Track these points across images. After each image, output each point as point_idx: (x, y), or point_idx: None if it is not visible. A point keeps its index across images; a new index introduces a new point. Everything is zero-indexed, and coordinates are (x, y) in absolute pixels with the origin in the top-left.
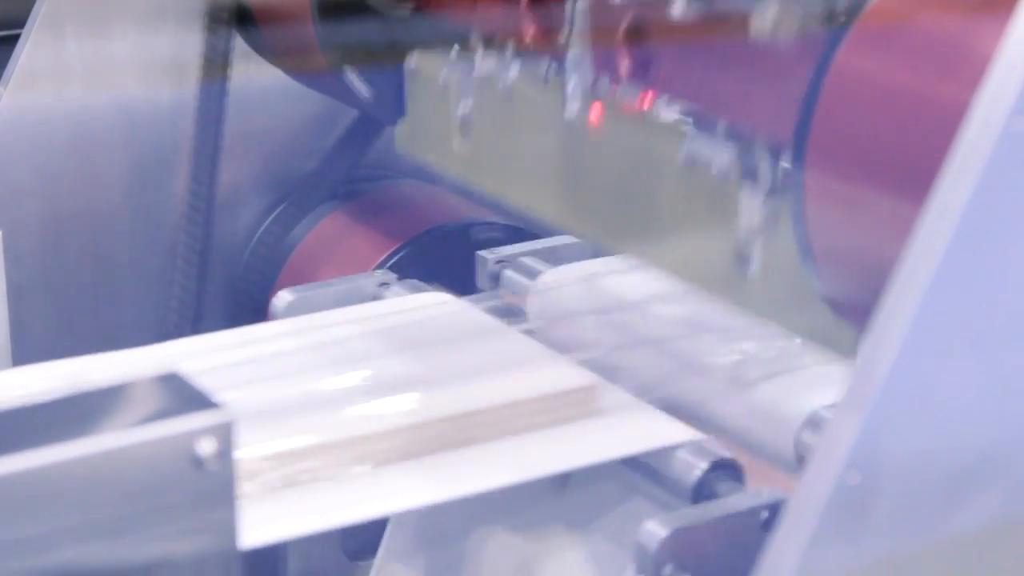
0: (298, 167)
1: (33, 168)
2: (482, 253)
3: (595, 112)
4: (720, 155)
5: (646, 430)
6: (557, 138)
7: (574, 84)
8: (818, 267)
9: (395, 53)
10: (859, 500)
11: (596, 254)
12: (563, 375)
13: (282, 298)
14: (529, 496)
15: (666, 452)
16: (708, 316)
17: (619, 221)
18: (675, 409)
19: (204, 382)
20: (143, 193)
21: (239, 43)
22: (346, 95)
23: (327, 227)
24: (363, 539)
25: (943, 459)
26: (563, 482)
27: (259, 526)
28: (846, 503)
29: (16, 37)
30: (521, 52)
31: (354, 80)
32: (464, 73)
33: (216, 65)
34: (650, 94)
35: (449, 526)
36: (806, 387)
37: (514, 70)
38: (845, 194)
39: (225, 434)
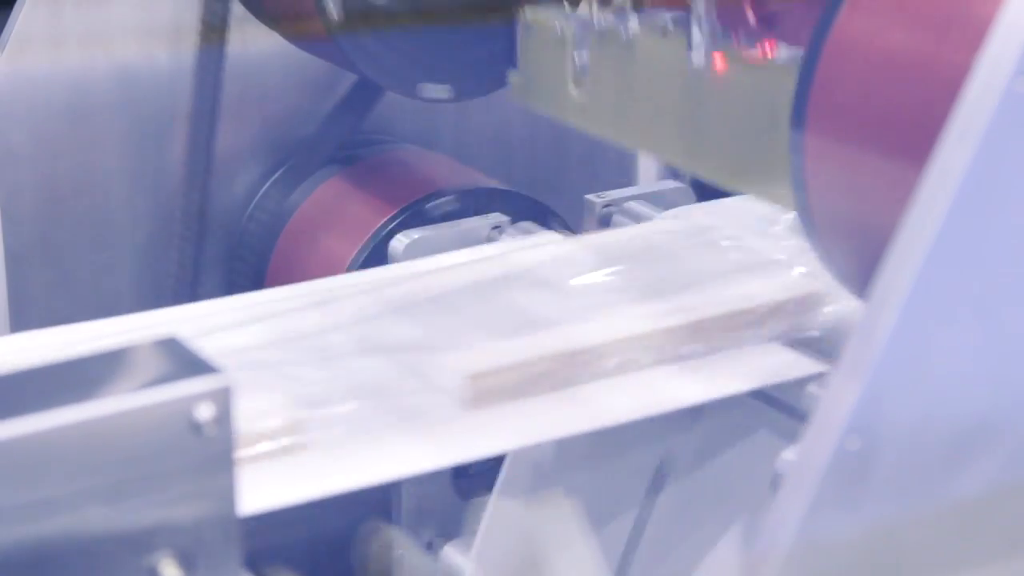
0: (296, 132)
1: (31, 133)
2: (590, 196)
3: (719, 61)
4: None
5: (777, 363)
6: (675, 87)
7: (699, 34)
8: (818, 231)
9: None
10: (859, 465)
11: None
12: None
13: (400, 240)
14: (658, 429)
15: (796, 385)
16: None
17: (742, 166)
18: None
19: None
20: (141, 158)
21: (237, 7)
22: (345, 60)
23: (326, 192)
24: (475, 478)
25: (942, 424)
26: (696, 415)
27: (258, 491)
28: (846, 468)
29: (13, 1)
30: (640, 6)
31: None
32: (581, 26)
33: (214, 29)
34: (772, 43)
35: (570, 461)
36: None
37: (634, 22)
38: (846, 157)
39: (223, 399)
